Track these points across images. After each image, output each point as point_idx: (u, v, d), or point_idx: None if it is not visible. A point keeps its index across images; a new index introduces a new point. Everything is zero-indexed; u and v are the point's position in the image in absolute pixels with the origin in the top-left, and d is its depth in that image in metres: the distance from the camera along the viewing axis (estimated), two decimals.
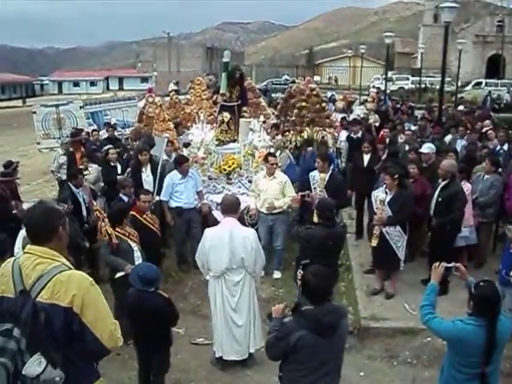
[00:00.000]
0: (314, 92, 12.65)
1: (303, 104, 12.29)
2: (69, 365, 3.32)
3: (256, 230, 8.66)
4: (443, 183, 8.11)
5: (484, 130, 12.71)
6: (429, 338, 7.10)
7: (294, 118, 12.40)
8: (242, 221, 8.68)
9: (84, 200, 8.72)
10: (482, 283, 4.43)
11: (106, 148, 11.67)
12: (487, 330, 4.22)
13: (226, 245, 6.24)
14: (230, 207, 6.46)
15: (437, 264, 4.82)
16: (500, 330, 4.25)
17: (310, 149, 11.21)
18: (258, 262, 6.49)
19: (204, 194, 9.68)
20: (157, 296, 5.58)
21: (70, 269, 3.43)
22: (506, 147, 11.08)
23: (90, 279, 3.45)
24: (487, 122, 13.83)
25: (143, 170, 9.76)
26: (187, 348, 7.11)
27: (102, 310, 3.43)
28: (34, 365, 3.20)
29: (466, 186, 8.59)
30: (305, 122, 11.64)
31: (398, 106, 23.20)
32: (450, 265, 4.91)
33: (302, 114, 12.19)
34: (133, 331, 5.85)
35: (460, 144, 11.80)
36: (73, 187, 8.70)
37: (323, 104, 12.66)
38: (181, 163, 9.14)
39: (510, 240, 6.98)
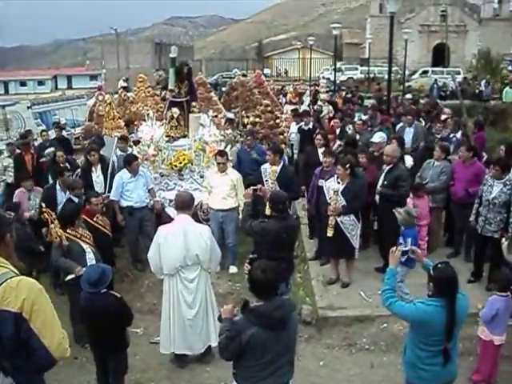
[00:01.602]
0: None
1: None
2: (17, 373, 3.29)
3: (209, 225, 8.69)
4: (387, 168, 8.33)
5: (443, 117, 12.91)
6: (385, 324, 7.26)
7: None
8: (195, 216, 8.66)
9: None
10: (439, 265, 4.58)
11: (49, 151, 11.43)
12: (448, 309, 4.37)
13: (180, 242, 6.19)
14: (184, 204, 6.41)
15: (394, 248, 4.93)
16: (459, 308, 4.41)
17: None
18: (213, 259, 6.47)
19: (156, 191, 9.58)
20: (108, 296, 5.53)
21: (18, 275, 3.39)
22: (458, 135, 11.29)
23: (40, 286, 3.42)
24: (447, 110, 14.09)
25: (93, 170, 9.62)
26: (146, 348, 7.07)
27: (50, 318, 3.39)
28: None
29: None
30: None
31: (349, 96, 23.45)
32: (406, 248, 5.02)
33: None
34: (88, 334, 5.78)
35: (409, 132, 11.98)
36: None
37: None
38: (130, 162, 9.02)
39: (401, 222, 7.25)
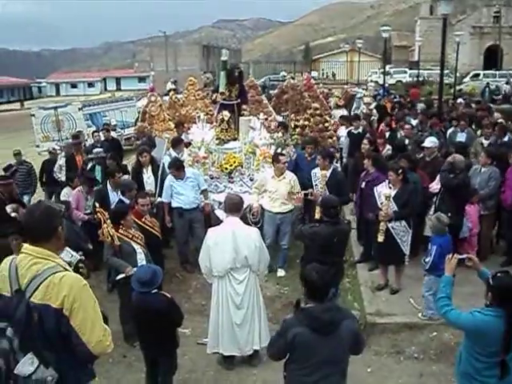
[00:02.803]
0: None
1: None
2: (62, 364, 3.33)
3: (259, 228, 8.71)
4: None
5: (499, 121, 12.59)
6: (435, 333, 7.13)
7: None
8: (244, 219, 8.70)
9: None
10: (499, 274, 4.46)
11: (97, 151, 11.62)
12: (506, 319, 4.26)
13: (230, 244, 6.23)
14: (234, 206, 6.44)
15: (450, 256, 4.84)
16: None
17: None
18: (262, 261, 6.48)
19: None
20: (159, 296, 5.61)
21: (66, 270, 3.44)
22: (506, 139, 11.01)
23: (84, 282, 3.45)
24: (497, 114, 13.76)
25: (144, 171, 9.76)
26: (194, 348, 7.10)
27: (91, 316, 3.40)
28: (27, 364, 3.24)
29: None
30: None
31: (396, 99, 23.14)
32: (462, 256, 4.93)
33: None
34: (139, 333, 5.87)
35: (461, 137, 11.75)
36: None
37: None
38: (176, 168, 9.09)
39: (431, 229, 7.17)
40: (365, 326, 7.37)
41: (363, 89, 25.90)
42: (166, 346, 5.70)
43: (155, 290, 5.54)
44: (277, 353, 4.34)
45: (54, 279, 3.30)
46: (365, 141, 10.31)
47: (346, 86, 29.76)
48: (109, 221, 6.99)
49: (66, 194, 9.93)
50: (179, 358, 6.07)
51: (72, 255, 5.88)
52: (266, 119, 12.11)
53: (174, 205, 9.20)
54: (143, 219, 7.81)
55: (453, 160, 8.35)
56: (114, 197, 8.85)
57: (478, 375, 4.45)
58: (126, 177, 9.71)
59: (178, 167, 9.06)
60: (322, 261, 4.98)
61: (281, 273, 8.99)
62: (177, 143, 10.48)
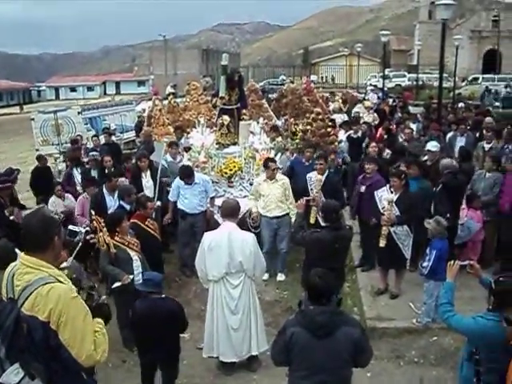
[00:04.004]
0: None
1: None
2: (53, 375, 3.27)
3: (258, 233, 8.71)
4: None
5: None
6: (435, 337, 7.12)
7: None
8: (244, 224, 8.70)
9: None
10: (502, 278, 4.46)
11: (92, 154, 11.62)
12: (509, 324, 4.23)
13: (225, 249, 6.25)
14: (230, 211, 6.47)
15: (451, 262, 4.85)
16: None
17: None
18: (258, 266, 6.47)
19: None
20: (170, 300, 5.65)
21: (58, 281, 3.35)
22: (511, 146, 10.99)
23: (74, 295, 3.36)
24: (488, 118, 13.75)
25: (143, 175, 9.77)
26: (193, 353, 7.06)
27: (80, 329, 3.33)
28: (12, 375, 3.18)
29: None
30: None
31: (395, 103, 23.20)
32: (464, 263, 4.94)
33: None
34: (140, 340, 5.84)
35: (460, 141, 11.76)
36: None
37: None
38: (184, 175, 9.13)
39: (430, 234, 7.13)
40: (364, 330, 7.35)
41: (363, 93, 25.90)
42: (171, 351, 5.71)
43: (163, 295, 5.60)
44: (277, 353, 4.36)
45: (41, 291, 3.24)
46: (373, 144, 10.35)
47: (350, 90, 29.77)
48: (104, 228, 6.96)
49: (54, 203, 9.86)
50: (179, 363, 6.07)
51: (77, 231, 5.72)
52: (266, 124, 12.11)
53: (179, 206, 9.29)
54: (146, 222, 7.81)
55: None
56: (111, 201, 8.84)
57: (480, 380, 4.44)
58: (122, 179, 9.69)
59: (186, 175, 9.11)
60: (323, 266, 5.00)
61: (280, 277, 8.98)
62: (169, 146, 10.51)
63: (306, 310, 4.20)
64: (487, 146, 10.89)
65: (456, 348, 6.39)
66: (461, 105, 21.64)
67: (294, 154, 11.10)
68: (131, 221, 7.57)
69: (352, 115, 16.84)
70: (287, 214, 8.86)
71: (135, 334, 5.90)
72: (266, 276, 8.77)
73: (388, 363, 6.91)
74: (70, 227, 5.56)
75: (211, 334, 6.55)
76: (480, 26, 60.78)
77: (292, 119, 13.01)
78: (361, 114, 17.06)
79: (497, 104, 27.09)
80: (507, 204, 8.49)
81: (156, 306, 5.48)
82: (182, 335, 6.73)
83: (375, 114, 16.87)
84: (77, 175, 11.20)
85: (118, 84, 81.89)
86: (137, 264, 6.89)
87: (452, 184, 8.16)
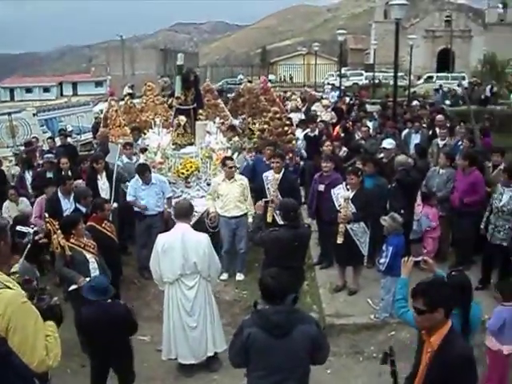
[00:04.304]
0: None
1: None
2: (4, 381, 3.18)
3: (217, 233, 8.70)
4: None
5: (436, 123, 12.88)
6: (393, 332, 7.23)
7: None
8: (202, 225, 8.68)
9: None
10: (454, 272, 4.57)
11: (47, 156, 11.42)
12: (462, 317, 4.37)
13: (178, 250, 6.24)
14: (183, 212, 6.48)
15: (406, 258, 4.93)
16: (472, 316, 4.43)
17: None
18: (212, 266, 6.48)
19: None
20: (118, 305, 5.59)
21: (6, 287, 3.27)
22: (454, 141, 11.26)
23: (23, 300, 3.29)
24: (439, 116, 14.02)
25: (99, 177, 9.65)
26: (153, 356, 7.03)
27: (30, 335, 3.26)
28: None
29: None
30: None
31: (352, 102, 23.49)
32: (418, 258, 5.03)
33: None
34: (91, 343, 5.77)
35: (415, 138, 11.96)
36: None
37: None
38: (140, 172, 9.11)
39: (386, 230, 7.24)
40: (324, 327, 7.42)
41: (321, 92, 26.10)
42: (122, 355, 5.65)
43: (110, 299, 5.51)
44: (235, 354, 4.34)
45: None
46: (327, 143, 10.42)
47: (308, 89, 29.95)
48: (59, 231, 6.85)
49: (7, 208, 9.67)
50: (138, 366, 6.05)
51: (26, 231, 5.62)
52: (223, 123, 12.09)
53: (135, 208, 9.19)
54: (103, 224, 7.73)
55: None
56: (67, 204, 8.71)
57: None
58: (79, 181, 9.56)
59: (142, 171, 9.08)
60: (282, 265, 5.03)
61: (239, 277, 8.98)
62: (124, 147, 10.46)
63: (261, 310, 4.19)
64: (441, 143, 11.11)
65: (413, 341, 6.48)
66: (415, 103, 22.04)
67: (253, 153, 11.11)
68: (88, 223, 7.48)
69: (310, 114, 16.95)
70: (245, 214, 8.87)
71: (84, 339, 5.84)
72: (225, 276, 8.79)
73: (347, 359, 7.00)
74: (18, 228, 5.43)
75: (169, 335, 6.55)
76: (433, 25, 62.08)
77: (249, 118, 13.03)
78: (318, 113, 17.19)
79: (447, 102, 27.63)
80: (458, 200, 8.66)
81: (102, 311, 5.42)
82: (141, 338, 6.73)
83: (333, 113, 17.01)
84: (28, 178, 11.01)
85: (74, 85, 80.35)
86: (93, 266, 6.81)
87: (406, 181, 8.30)
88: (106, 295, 5.46)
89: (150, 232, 9.05)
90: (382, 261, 7.22)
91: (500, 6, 61.84)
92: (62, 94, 75.13)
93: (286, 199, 7.27)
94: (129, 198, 9.30)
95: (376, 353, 6.99)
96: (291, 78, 57.89)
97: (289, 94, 25.30)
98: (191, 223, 6.77)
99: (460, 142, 11.15)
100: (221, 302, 7.31)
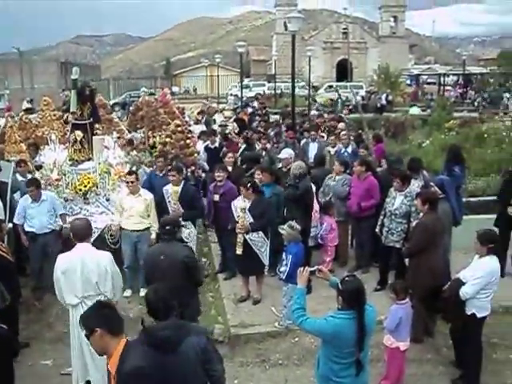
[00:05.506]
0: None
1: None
2: None
3: (119, 249, 8.53)
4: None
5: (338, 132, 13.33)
6: (297, 338, 7.37)
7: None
8: (103, 241, 8.49)
9: None
10: (347, 278, 4.73)
11: None
12: (357, 320, 4.51)
13: (79, 273, 5.97)
14: (80, 234, 6.13)
15: (301, 269, 5.03)
16: (367, 319, 4.57)
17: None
18: (116, 285, 6.29)
19: None
20: None
21: None
22: (349, 149, 11.70)
23: None
24: (341, 124, 14.53)
25: None
26: (57, 380, 6.77)
27: None
28: None
29: None
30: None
31: (254, 112, 23.82)
32: (313, 268, 5.17)
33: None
34: None
35: (313, 147, 12.29)
36: None
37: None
38: (28, 187, 8.72)
39: (285, 239, 7.45)
40: (229, 338, 7.46)
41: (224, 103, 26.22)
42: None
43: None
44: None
45: None
46: (230, 154, 10.54)
47: (206, 102, 29.98)
48: None
49: None
50: None
51: None
52: (119, 138, 11.90)
53: (26, 228, 8.78)
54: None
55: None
56: None
57: (335, 376, 4.66)
58: None
59: (27, 185, 8.72)
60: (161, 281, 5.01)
61: (143, 292, 8.80)
62: (17, 165, 10.06)
63: (147, 327, 4.03)
64: (332, 150, 11.52)
65: (316, 346, 6.59)
66: (313, 112, 22.69)
67: (153, 167, 10.98)
68: None
69: (211, 125, 17.02)
70: (148, 228, 8.75)
71: None
72: (128, 292, 8.63)
73: (254, 368, 7.03)
74: None
75: (81, 358, 6.24)
76: (332, 37, 64.48)
77: (149, 132, 12.91)
78: (220, 123, 17.31)
79: (344, 111, 28.61)
80: (354, 205, 8.99)
81: None
82: (44, 362, 6.48)
83: (234, 124, 17.15)
84: None
85: None
86: None
87: (295, 196, 8.32)
88: None
89: (46, 251, 8.73)
90: (282, 269, 7.35)
91: (391, 19, 65.28)
92: None
93: (166, 216, 7.31)
94: (16, 220, 8.84)
95: (281, 360, 7.10)
96: (195, 90, 57.84)
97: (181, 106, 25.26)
98: (91, 240, 6.56)
99: (343, 150, 11.61)
100: (125, 320, 7.14)
